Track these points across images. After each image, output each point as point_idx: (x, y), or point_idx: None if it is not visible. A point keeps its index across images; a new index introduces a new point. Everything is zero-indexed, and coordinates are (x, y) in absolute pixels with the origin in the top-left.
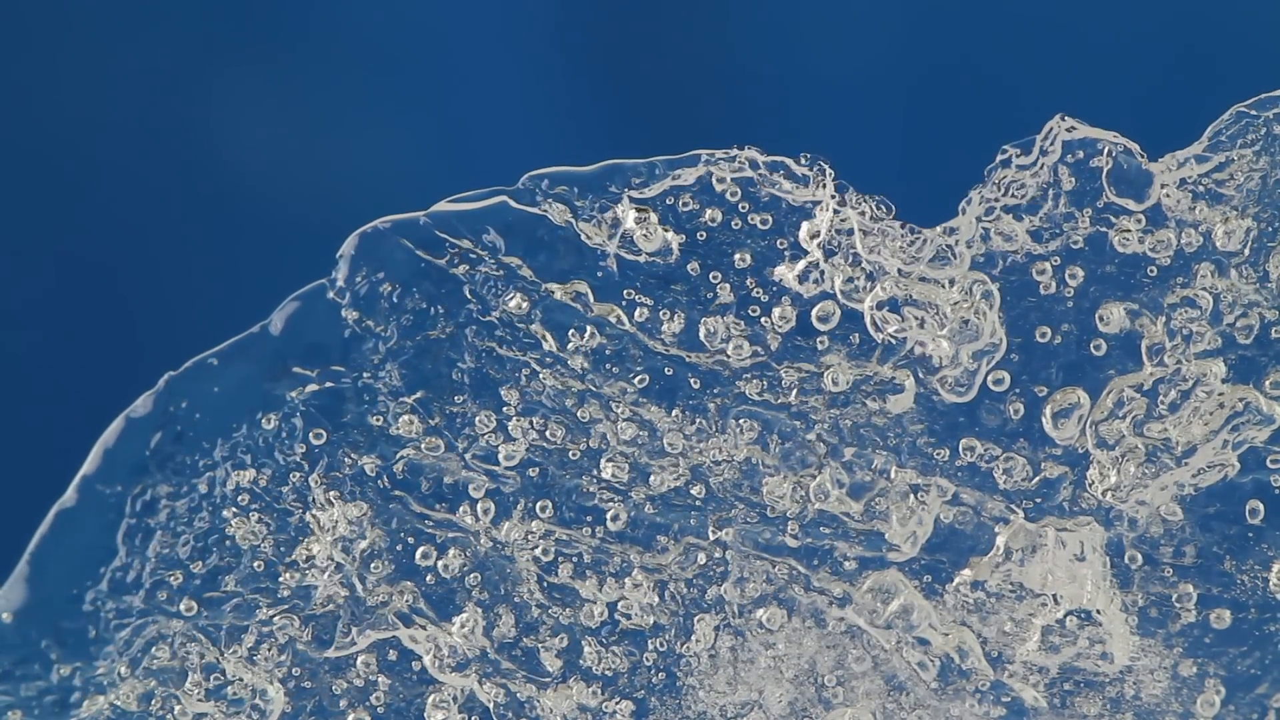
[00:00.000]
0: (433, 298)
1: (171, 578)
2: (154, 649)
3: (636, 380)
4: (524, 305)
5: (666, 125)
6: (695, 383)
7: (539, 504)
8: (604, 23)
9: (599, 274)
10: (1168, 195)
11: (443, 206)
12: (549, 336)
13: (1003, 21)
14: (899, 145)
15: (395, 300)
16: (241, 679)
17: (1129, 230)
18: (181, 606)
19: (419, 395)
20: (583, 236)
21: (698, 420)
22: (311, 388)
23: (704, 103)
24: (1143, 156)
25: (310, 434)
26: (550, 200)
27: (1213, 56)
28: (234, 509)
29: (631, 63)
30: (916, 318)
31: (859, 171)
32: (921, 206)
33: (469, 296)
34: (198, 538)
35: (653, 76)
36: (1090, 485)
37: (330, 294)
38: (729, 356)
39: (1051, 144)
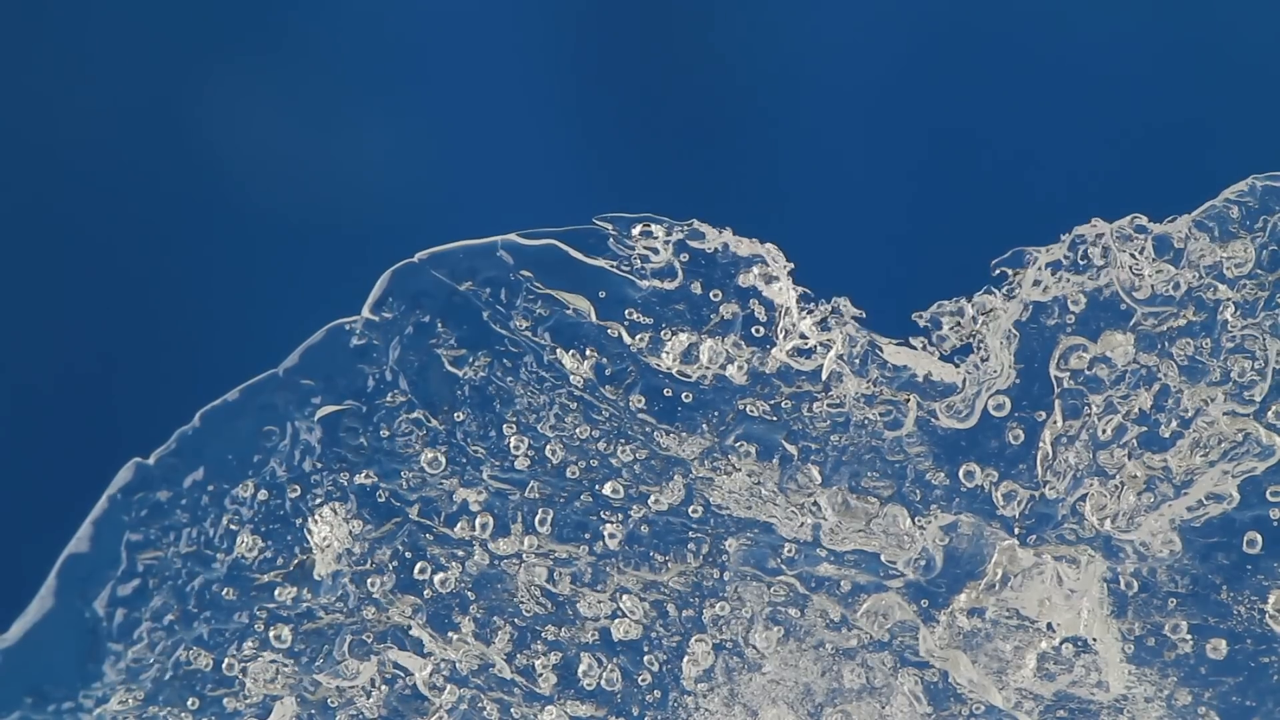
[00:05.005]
0: (438, 315)
1: (171, 590)
2: (152, 661)
3: (636, 399)
4: (526, 324)
5: (668, 131)
6: (695, 402)
7: (538, 520)
8: (611, 33)
9: (601, 294)
10: (1173, 230)
11: (461, 243)
12: (551, 355)
13: (1012, 74)
14: (904, 194)
15: (400, 316)
16: (238, 692)
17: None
18: (180, 618)
19: (421, 411)
20: (579, 257)
21: (696, 439)
22: (315, 401)
23: (704, 112)
24: (1154, 225)
25: (311, 447)
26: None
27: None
28: (234, 522)
29: (635, 75)
30: (919, 341)
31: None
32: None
33: (474, 315)
34: (198, 549)
35: (654, 85)
36: (1089, 513)
37: (347, 324)
38: (729, 376)
39: (1082, 253)
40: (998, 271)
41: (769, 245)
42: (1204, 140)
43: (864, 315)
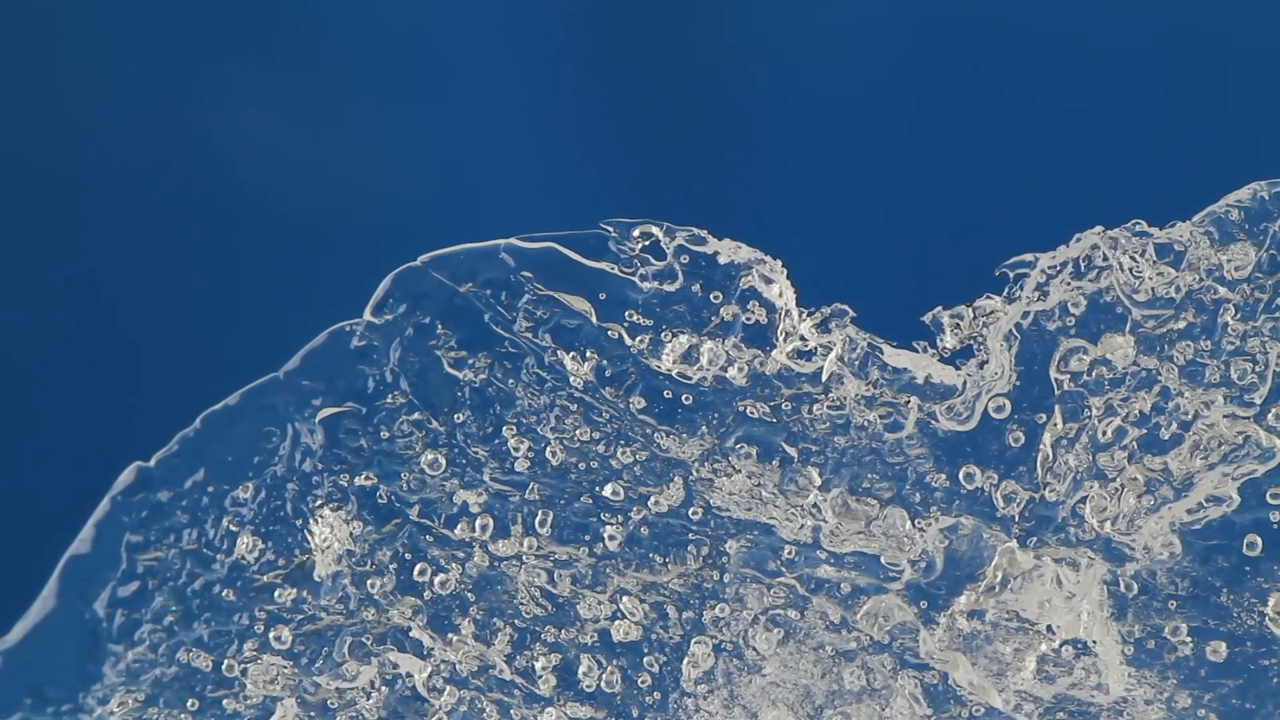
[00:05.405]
0: (438, 317)
1: (171, 591)
2: (152, 661)
3: (636, 400)
4: (527, 325)
5: (670, 138)
6: (695, 404)
7: (538, 522)
8: (614, 41)
9: (602, 296)
10: (1174, 234)
11: (463, 246)
12: (551, 357)
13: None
14: (906, 205)
15: (401, 318)
16: (238, 693)
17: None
18: (180, 620)
19: (421, 412)
20: (580, 260)
21: (697, 441)
22: (315, 403)
23: (702, 111)
24: (1155, 231)
25: (312, 449)
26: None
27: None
28: (235, 523)
29: (638, 82)
30: (920, 344)
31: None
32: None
33: (475, 316)
34: (198, 550)
35: (656, 91)
36: (1089, 516)
37: (348, 326)
38: (730, 378)
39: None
40: (999, 273)
41: (766, 255)
42: (1205, 146)
43: (862, 317)
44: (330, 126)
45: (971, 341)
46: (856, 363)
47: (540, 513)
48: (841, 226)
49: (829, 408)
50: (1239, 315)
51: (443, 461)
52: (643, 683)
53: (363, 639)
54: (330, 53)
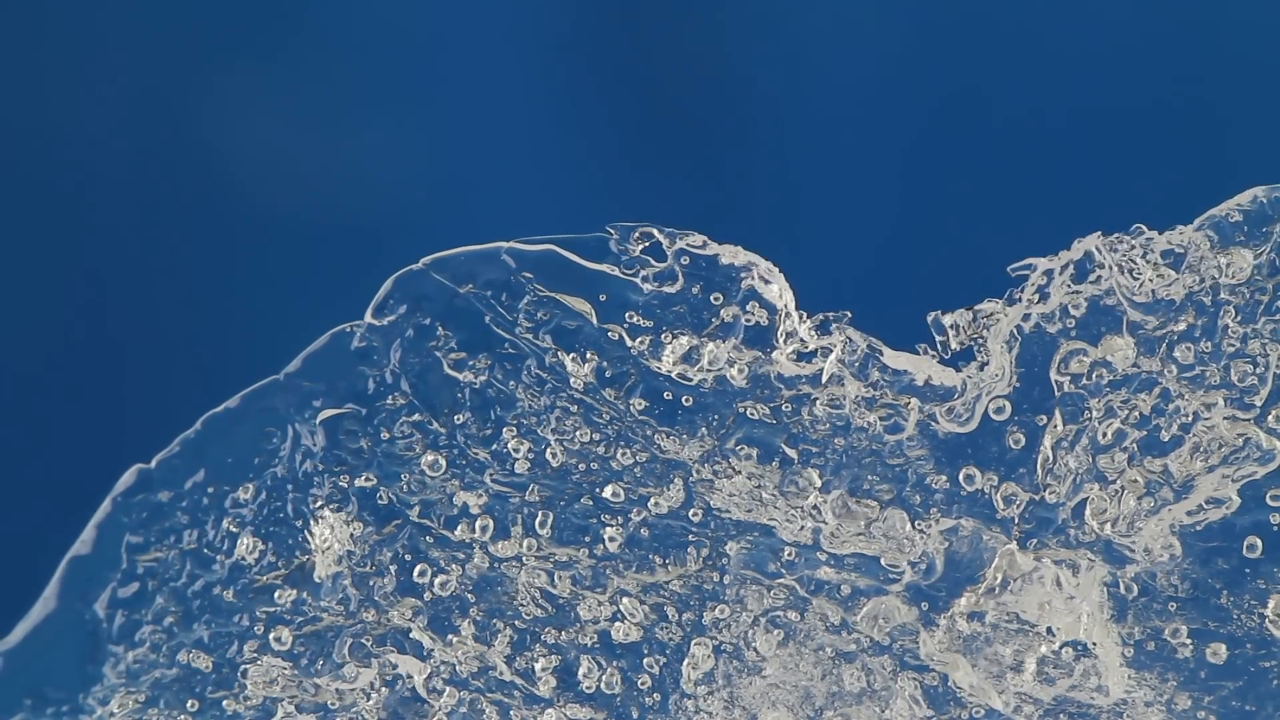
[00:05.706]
0: (439, 318)
1: (171, 592)
2: (153, 662)
3: (637, 402)
4: (528, 326)
5: (672, 141)
6: (695, 405)
7: (538, 523)
8: (616, 46)
9: (602, 297)
10: (1175, 237)
11: (464, 248)
12: (552, 358)
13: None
14: (908, 205)
15: (401, 319)
16: (238, 694)
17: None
18: (180, 621)
19: (421, 413)
20: (581, 262)
21: (697, 442)
22: (316, 405)
23: (701, 110)
24: (1154, 234)
25: (312, 450)
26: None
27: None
28: (235, 524)
29: (640, 87)
30: (920, 346)
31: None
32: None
33: (475, 318)
34: (198, 551)
35: (659, 95)
36: (1089, 517)
37: (349, 327)
38: (730, 378)
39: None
40: (1009, 272)
41: (766, 262)
42: (1206, 150)
43: (862, 319)
44: (331, 128)
45: (972, 343)
46: (856, 364)
47: (540, 514)
48: (842, 229)
49: (829, 409)
50: (1239, 318)
51: (443, 463)
52: (643, 684)
53: (363, 640)
54: (331, 54)
